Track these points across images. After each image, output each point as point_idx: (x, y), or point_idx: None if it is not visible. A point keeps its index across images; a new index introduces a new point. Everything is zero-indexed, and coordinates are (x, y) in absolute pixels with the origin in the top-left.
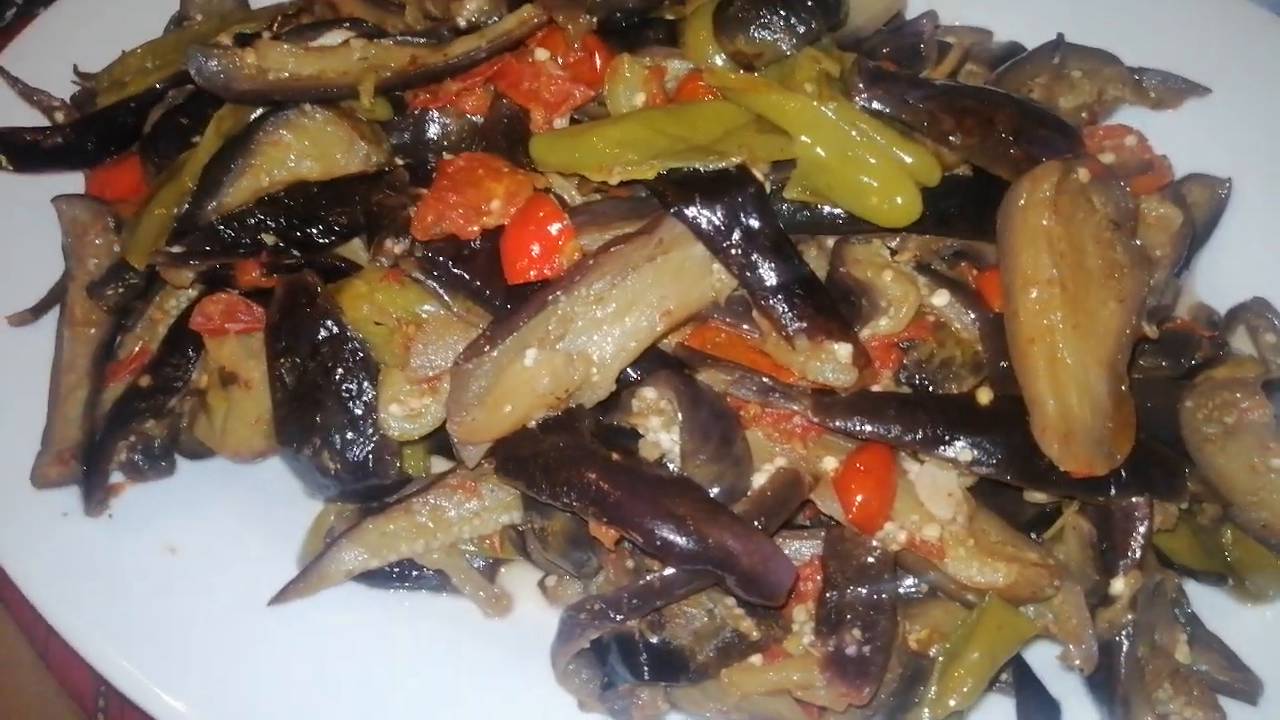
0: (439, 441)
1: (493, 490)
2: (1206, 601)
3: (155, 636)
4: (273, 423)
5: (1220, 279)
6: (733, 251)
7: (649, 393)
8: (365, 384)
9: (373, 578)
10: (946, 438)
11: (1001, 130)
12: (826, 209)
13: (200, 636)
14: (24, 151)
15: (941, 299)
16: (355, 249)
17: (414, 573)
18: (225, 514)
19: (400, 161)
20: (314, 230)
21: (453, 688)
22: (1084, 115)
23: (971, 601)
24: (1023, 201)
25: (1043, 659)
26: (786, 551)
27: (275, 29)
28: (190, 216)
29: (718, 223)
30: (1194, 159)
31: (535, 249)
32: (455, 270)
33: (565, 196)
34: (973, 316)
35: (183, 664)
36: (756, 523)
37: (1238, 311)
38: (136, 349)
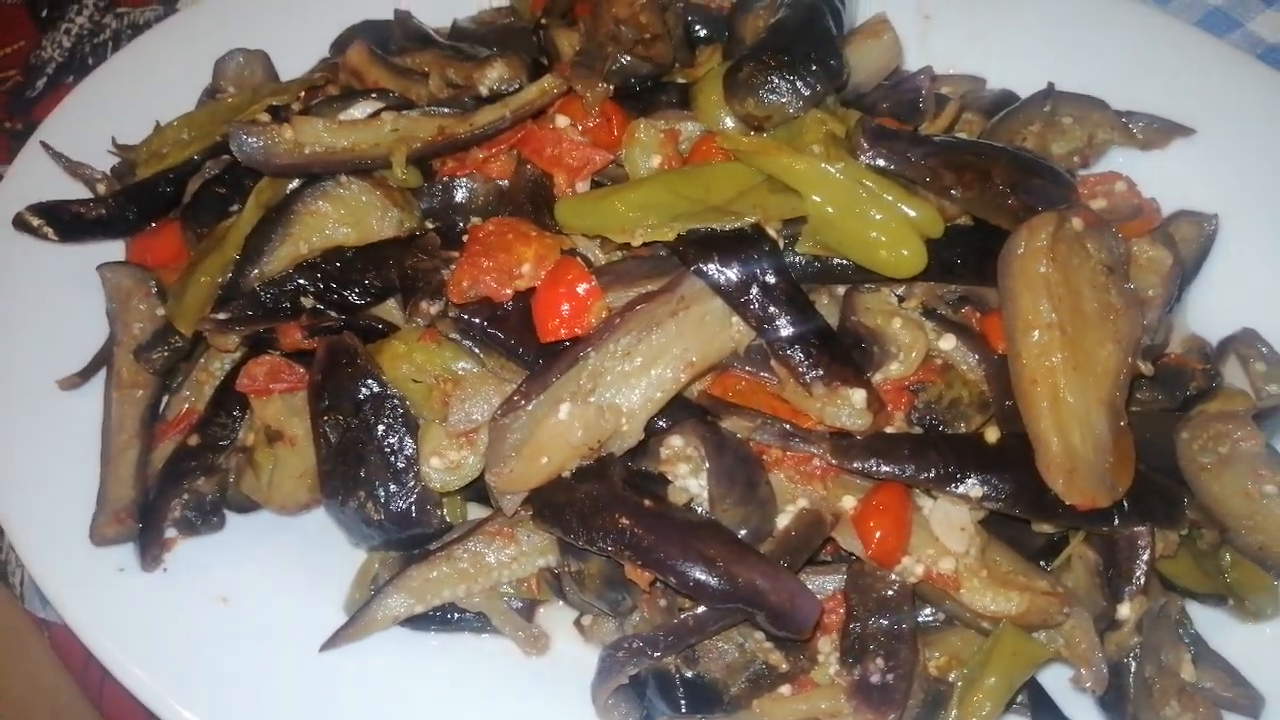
0: (476, 490)
1: (529, 536)
2: (1208, 622)
3: (210, 682)
4: (317, 477)
5: (1210, 311)
6: (750, 306)
7: (677, 440)
8: (406, 439)
9: (416, 621)
10: (958, 475)
11: (999, 183)
12: (837, 261)
13: (253, 681)
14: (68, 223)
15: (948, 343)
16: (390, 309)
17: (455, 615)
18: (273, 564)
19: (430, 226)
20: (351, 293)
21: None
22: (1076, 159)
23: (987, 629)
24: (1021, 250)
25: (1056, 681)
26: (811, 586)
27: (304, 100)
28: (234, 284)
29: (735, 279)
30: (1182, 196)
31: (565, 309)
32: (490, 330)
33: (590, 256)
34: (978, 359)
35: (236, 708)
36: (782, 561)
37: (1228, 343)
38: (184, 409)
